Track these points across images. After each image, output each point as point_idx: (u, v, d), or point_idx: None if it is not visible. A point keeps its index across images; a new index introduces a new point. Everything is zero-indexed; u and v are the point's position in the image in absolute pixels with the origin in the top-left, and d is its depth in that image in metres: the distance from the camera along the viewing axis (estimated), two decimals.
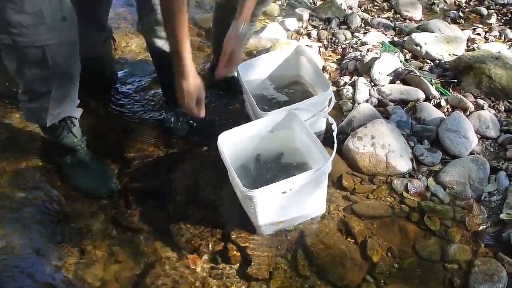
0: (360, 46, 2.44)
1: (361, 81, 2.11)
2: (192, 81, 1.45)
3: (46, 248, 1.49)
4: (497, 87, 2.04)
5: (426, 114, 1.93)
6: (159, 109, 2.00)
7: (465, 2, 3.11)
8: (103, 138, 1.88)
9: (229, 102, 2.06)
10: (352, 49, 2.42)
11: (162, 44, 1.66)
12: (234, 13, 1.55)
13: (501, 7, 3.02)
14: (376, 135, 1.77)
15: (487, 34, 2.64)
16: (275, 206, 1.43)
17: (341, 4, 2.86)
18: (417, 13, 2.89)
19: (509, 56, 2.14)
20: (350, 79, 2.20)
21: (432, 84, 2.09)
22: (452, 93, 2.07)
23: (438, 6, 3.04)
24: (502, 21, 2.85)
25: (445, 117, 1.91)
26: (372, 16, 2.85)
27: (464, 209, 1.61)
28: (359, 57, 2.31)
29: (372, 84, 2.14)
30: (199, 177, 1.71)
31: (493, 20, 2.83)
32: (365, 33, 2.59)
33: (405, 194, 1.66)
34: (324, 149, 1.45)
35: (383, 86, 2.11)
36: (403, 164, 1.74)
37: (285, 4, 2.98)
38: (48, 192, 1.66)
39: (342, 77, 2.23)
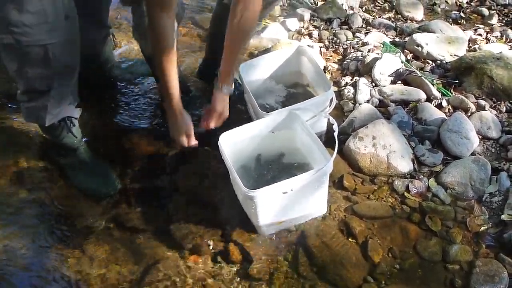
0: (361, 46, 2.44)
1: (362, 82, 2.11)
2: (180, 117, 1.56)
3: (47, 248, 1.49)
4: (498, 88, 2.04)
5: (427, 115, 1.93)
6: (160, 109, 2.00)
7: (467, 3, 3.11)
8: (104, 138, 1.88)
9: (230, 102, 2.05)
10: (353, 50, 2.42)
11: None
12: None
13: (502, 8, 3.02)
14: (377, 135, 1.77)
15: (489, 35, 2.64)
16: (276, 207, 1.43)
17: (342, 5, 2.86)
18: (418, 14, 2.89)
19: (511, 57, 2.14)
20: (351, 80, 2.20)
21: (433, 85, 2.09)
22: (454, 94, 2.07)
23: (439, 6, 3.04)
24: (504, 21, 2.85)
25: (446, 118, 1.91)
26: (373, 16, 2.85)
27: (465, 210, 1.61)
28: (360, 57, 2.30)
29: (373, 84, 2.14)
30: (200, 177, 1.71)
31: (494, 20, 2.83)
32: (366, 34, 2.59)
33: (406, 194, 1.66)
34: (325, 150, 1.45)
35: (384, 86, 2.11)
36: (404, 165, 1.73)
37: (286, 5, 2.97)
38: (49, 192, 1.66)
39: (343, 78, 2.23)
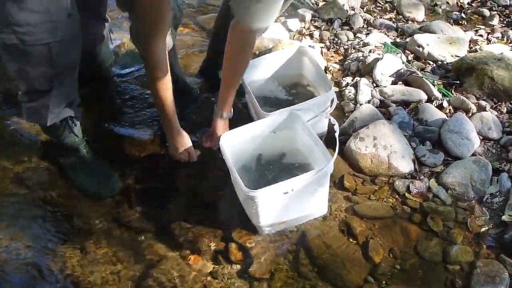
0: (362, 47, 2.44)
1: (363, 82, 2.11)
2: (179, 138, 1.65)
3: (48, 248, 1.49)
4: (499, 89, 2.04)
5: (428, 115, 1.93)
6: None
7: (468, 4, 3.11)
8: (105, 138, 1.88)
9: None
10: (354, 50, 2.42)
11: None
12: None
13: (503, 9, 3.02)
14: (378, 136, 1.77)
15: (490, 36, 2.64)
16: (277, 207, 1.43)
17: (344, 5, 2.86)
18: (419, 14, 2.89)
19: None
20: (352, 80, 2.20)
21: (434, 85, 2.09)
22: (454, 94, 2.07)
23: (440, 7, 3.04)
24: (505, 22, 2.85)
25: (447, 118, 1.91)
26: (374, 17, 2.85)
27: (466, 211, 1.61)
28: (361, 58, 2.30)
29: (374, 85, 2.14)
30: (201, 177, 1.71)
31: (495, 21, 2.83)
32: (367, 34, 2.59)
33: (407, 195, 1.66)
34: (326, 150, 1.45)
35: (385, 87, 2.11)
36: (405, 165, 1.73)
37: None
38: (50, 192, 1.66)
39: (344, 78, 2.23)
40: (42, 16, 1.24)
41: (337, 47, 2.50)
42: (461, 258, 1.45)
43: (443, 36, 2.46)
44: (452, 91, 2.09)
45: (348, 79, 2.21)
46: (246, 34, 1.46)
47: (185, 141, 1.67)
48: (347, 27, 2.69)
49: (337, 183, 1.71)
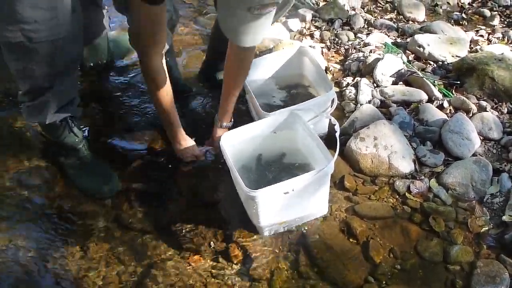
0: (363, 47, 2.44)
1: (364, 82, 2.11)
2: (184, 143, 1.70)
3: (48, 248, 1.48)
4: (500, 89, 2.04)
5: (429, 116, 1.93)
6: None
7: (468, 4, 3.11)
8: (104, 138, 1.88)
9: None
10: (355, 50, 2.42)
11: None
12: None
13: (504, 9, 3.02)
14: (378, 136, 1.77)
15: (490, 36, 2.64)
16: (277, 207, 1.43)
17: (344, 5, 2.86)
18: (420, 14, 2.89)
19: None
20: (352, 80, 2.20)
21: (434, 86, 2.09)
22: (455, 95, 2.07)
23: (441, 7, 3.04)
24: (505, 23, 2.85)
25: (447, 119, 1.91)
26: (375, 17, 2.85)
27: (467, 211, 1.61)
28: (362, 58, 2.30)
29: (375, 85, 2.14)
30: (201, 177, 1.71)
31: (496, 22, 2.84)
32: (368, 34, 2.59)
33: (407, 195, 1.66)
34: (327, 150, 1.45)
35: (385, 87, 2.11)
36: (406, 165, 1.73)
37: None
38: (50, 192, 1.66)
39: (344, 78, 2.23)
40: (48, 13, 1.24)
41: (338, 47, 2.50)
42: (462, 258, 1.45)
43: (443, 37, 2.46)
44: (453, 91, 2.09)
45: (349, 79, 2.21)
46: (242, 50, 1.47)
47: (191, 146, 1.72)
48: (347, 27, 2.69)
49: (337, 183, 1.71)
